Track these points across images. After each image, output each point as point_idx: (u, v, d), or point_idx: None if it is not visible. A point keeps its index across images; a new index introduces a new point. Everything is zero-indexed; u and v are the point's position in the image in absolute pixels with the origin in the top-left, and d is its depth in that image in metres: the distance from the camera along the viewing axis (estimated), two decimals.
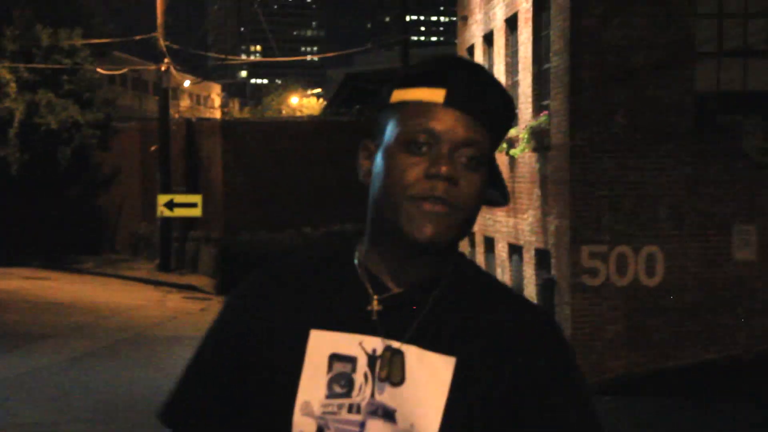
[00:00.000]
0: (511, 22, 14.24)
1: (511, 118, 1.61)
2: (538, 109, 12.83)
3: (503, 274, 14.27)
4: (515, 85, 14.05)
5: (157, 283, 21.86)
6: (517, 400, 1.51)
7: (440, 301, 1.55)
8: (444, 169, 1.49)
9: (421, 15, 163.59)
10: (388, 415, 1.51)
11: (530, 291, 12.73)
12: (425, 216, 1.49)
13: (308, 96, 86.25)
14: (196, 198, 21.94)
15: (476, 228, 16.15)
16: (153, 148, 25.18)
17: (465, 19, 17.79)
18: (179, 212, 21.85)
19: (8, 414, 9.24)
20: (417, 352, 1.52)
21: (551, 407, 1.52)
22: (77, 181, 26.79)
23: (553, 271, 11.77)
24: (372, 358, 1.52)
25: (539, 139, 12.29)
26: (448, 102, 1.52)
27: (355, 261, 1.59)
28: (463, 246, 17.30)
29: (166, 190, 23.21)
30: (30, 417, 9.09)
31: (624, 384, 11.05)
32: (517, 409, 1.51)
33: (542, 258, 12.33)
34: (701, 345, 11.15)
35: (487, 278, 1.64)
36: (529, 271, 12.86)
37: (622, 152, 11.19)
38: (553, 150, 11.83)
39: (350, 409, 1.52)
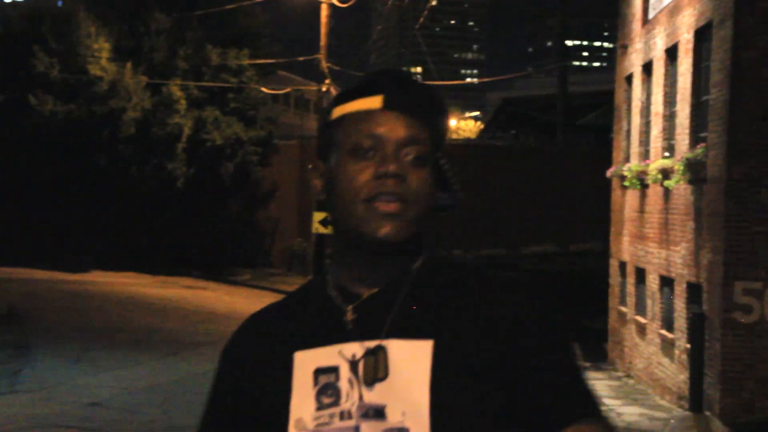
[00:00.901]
0: (672, 53, 14.06)
1: (444, 114, 1.67)
2: (695, 141, 12.63)
3: (653, 305, 14.07)
4: (673, 115, 13.86)
5: None
6: (508, 368, 1.54)
7: (411, 293, 1.60)
8: (391, 167, 1.56)
9: (584, 41, 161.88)
10: (378, 413, 1.54)
11: (680, 324, 12.52)
12: (380, 216, 1.56)
13: (466, 118, 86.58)
14: None
15: (627, 258, 15.95)
16: (310, 167, 25.87)
17: (625, 47, 17.64)
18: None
19: (165, 415, 9.73)
20: (395, 344, 1.56)
21: (541, 373, 1.55)
22: (238, 195, 27.74)
23: (704, 306, 11.56)
24: (353, 363, 1.57)
25: (695, 171, 12.10)
26: (386, 106, 1.60)
27: (328, 282, 1.65)
28: (613, 275, 17.10)
29: (322, 208, 23.78)
30: (184, 420, 9.54)
31: None
32: (508, 376, 1.54)
33: (694, 292, 12.11)
34: None
35: (462, 265, 1.67)
36: (680, 305, 12.65)
37: None
38: (709, 183, 11.63)
39: (342, 417, 1.56)
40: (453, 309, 1.59)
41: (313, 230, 23.22)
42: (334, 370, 1.58)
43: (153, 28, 27.01)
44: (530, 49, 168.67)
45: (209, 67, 27.08)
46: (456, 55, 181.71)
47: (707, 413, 11.20)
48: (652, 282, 14.22)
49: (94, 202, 25.78)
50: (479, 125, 60.95)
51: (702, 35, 12.53)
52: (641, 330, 14.78)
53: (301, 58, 27.91)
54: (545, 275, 21.40)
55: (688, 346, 11.86)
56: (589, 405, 1.56)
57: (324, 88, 25.72)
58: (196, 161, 26.29)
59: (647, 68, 15.77)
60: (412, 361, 1.55)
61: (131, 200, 25.94)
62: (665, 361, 13.19)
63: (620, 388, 14.35)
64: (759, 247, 10.93)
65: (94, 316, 16.49)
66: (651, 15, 15.69)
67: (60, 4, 30.18)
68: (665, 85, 14.51)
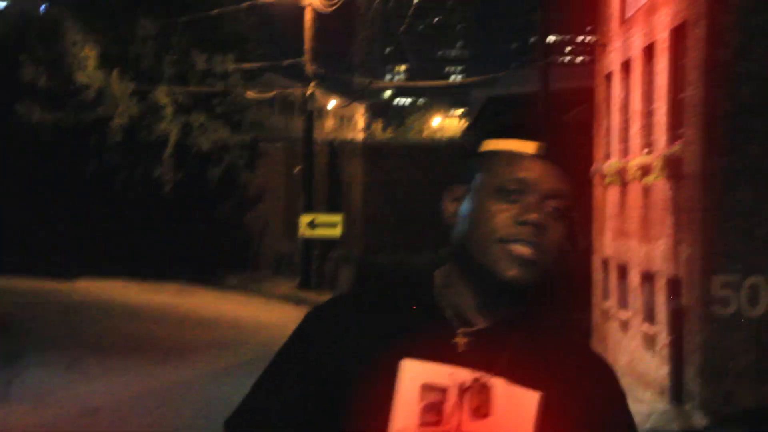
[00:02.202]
0: (649, 51, 14.28)
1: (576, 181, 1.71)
2: (673, 137, 12.85)
3: (635, 301, 14.29)
4: (651, 113, 14.08)
5: (297, 301, 22.56)
6: None
7: (525, 337, 1.65)
8: (534, 216, 1.59)
9: (568, 35, 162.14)
10: None
11: (661, 319, 12.74)
12: (513, 258, 1.59)
13: (451, 117, 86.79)
14: (337, 218, 22.61)
15: (610, 254, 16.18)
16: (297, 170, 26.06)
17: (604, 46, 17.87)
18: (320, 232, 22.56)
19: (156, 422, 9.90)
20: (504, 386, 1.60)
21: None
22: (225, 200, 27.89)
23: (684, 300, 11.78)
24: (462, 390, 1.60)
25: (673, 167, 12.32)
26: (540, 154, 1.62)
27: (439, 295, 1.67)
28: (596, 271, 17.31)
29: (309, 210, 23.98)
30: (175, 425, 9.72)
31: (755, 416, 10.96)
32: None
33: (674, 286, 12.33)
34: None
35: (554, 321, 1.74)
36: (660, 299, 12.87)
37: (757, 182, 11.13)
38: (687, 179, 11.85)
39: None
40: (558, 365, 1.65)
41: (300, 234, 23.40)
42: (442, 390, 1.60)
43: (139, 34, 27.13)
44: (514, 45, 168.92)
45: (195, 73, 27.22)
46: (440, 53, 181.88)
47: (688, 405, 11.42)
48: (634, 277, 14.44)
49: (82, 208, 25.90)
50: (464, 123, 61.21)
51: (678, 34, 12.74)
52: (624, 325, 15.00)
53: (286, 62, 28.06)
54: None
55: (669, 339, 12.09)
56: None
57: (309, 91, 25.88)
58: (183, 166, 26.43)
59: (626, 66, 15.99)
60: (517, 408, 1.59)
61: (119, 206, 26.07)
62: (647, 355, 13.41)
63: None
64: (736, 241, 11.14)
65: (84, 324, 16.63)
66: (629, 14, 15.91)
67: (42, 9, 30.28)
68: (643, 83, 14.73)
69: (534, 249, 1.60)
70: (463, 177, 1.68)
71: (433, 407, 1.60)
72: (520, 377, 1.61)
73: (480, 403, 1.59)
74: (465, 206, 1.65)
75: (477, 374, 1.60)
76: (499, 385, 1.60)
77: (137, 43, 27.19)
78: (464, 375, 1.60)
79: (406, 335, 1.64)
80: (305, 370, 1.67)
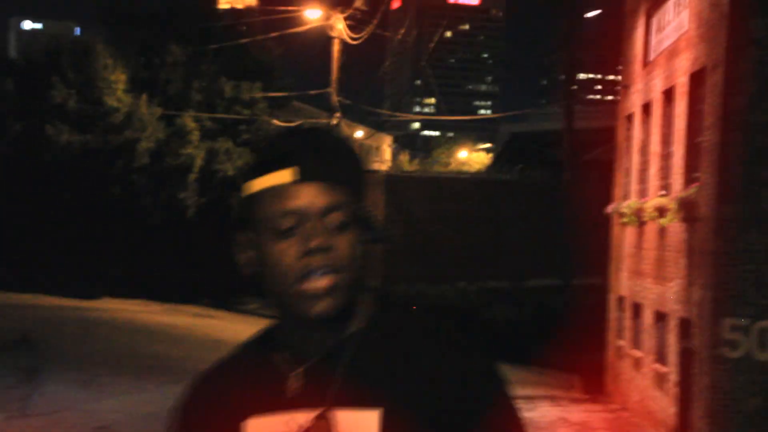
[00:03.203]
0: (669, 95, 14.47)
1: (363, 167, 1.64)
2: (689, 180, 13.01)
3: (648, 340, 14.40)
4: (669, 155, 14.25)
5: None
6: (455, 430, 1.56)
7: (354, 360, 1.59)
8: (314, 243, 1.53)
9: (598, 74, 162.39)
10: None
11: (672, 359, 12.85)
12: (312, 295, 1.54)
13: (477, 150, 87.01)
14: None
15: (625, 293, 16.30)
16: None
17: (626, 87, 18.08)
18: None
19: None
20: (342, 415, 1.55)
21: None
22: None
23: (694, 341, 11.89)
24: None
25: (688, 210, 12.47)
26: (300, 179, 1.55)
27: (276, 340, 1.64)
28: (612, 309, 17.42)
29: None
30: None
31: None
32: None
33: (685, 327, 12.45)
34: None
35: (408, 323, 1.65)
36: (672, 340, 12.98)
37: None
38: (701, 222, 12.00)
39: None
40: (396, 374, 1.58)
41: None
42: None
43: (168, 60, 27.59)
44: (544, 82, 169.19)
45: (222, 99, 27.61)
46: (470, 87, 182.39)
47: None
48: (648, 317, 14.55)
49: (106, 230, 26.23)
50: (490, 157, 61.47)
51: (697, 79, 12.93)
52: (637, 364, 15.10)
53: (312, 92, 28.44)
54: (548, 310, 21.76)
55: (678, 379, 12.19)
56: None
57: (334, 122, 26.20)
58: (208, 191, 26.75)
59: (646, 108, 16.18)
60: (360, 431, 1.55)
61: (143, 229, 26.38)
62: (658, 394, 13.51)
63: (615, 421, 14.66)
64: (747, 285, 11.26)
65: (103, 342, 16.87)
66: (651, 57, 16.13)
67: (78, 33, 30.76)
68: (663, 126, 14.91)
69: (328, 275, 1.54)
70: (245, 223, 1.63)
71: None
72: (356, 401, 1.56)
73: None
74: (258, 254, 1.60)
75: (312, 413, 1.56)
76: (338, 416, 1.56)
77: (166, 69, 27.64)
78: (301, 418, 1.57)
79: (249, 395, 1.61)
80: None
